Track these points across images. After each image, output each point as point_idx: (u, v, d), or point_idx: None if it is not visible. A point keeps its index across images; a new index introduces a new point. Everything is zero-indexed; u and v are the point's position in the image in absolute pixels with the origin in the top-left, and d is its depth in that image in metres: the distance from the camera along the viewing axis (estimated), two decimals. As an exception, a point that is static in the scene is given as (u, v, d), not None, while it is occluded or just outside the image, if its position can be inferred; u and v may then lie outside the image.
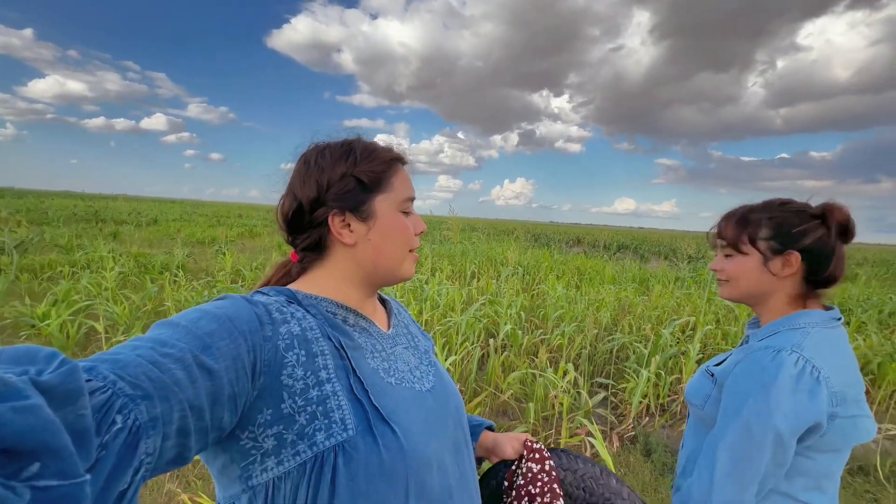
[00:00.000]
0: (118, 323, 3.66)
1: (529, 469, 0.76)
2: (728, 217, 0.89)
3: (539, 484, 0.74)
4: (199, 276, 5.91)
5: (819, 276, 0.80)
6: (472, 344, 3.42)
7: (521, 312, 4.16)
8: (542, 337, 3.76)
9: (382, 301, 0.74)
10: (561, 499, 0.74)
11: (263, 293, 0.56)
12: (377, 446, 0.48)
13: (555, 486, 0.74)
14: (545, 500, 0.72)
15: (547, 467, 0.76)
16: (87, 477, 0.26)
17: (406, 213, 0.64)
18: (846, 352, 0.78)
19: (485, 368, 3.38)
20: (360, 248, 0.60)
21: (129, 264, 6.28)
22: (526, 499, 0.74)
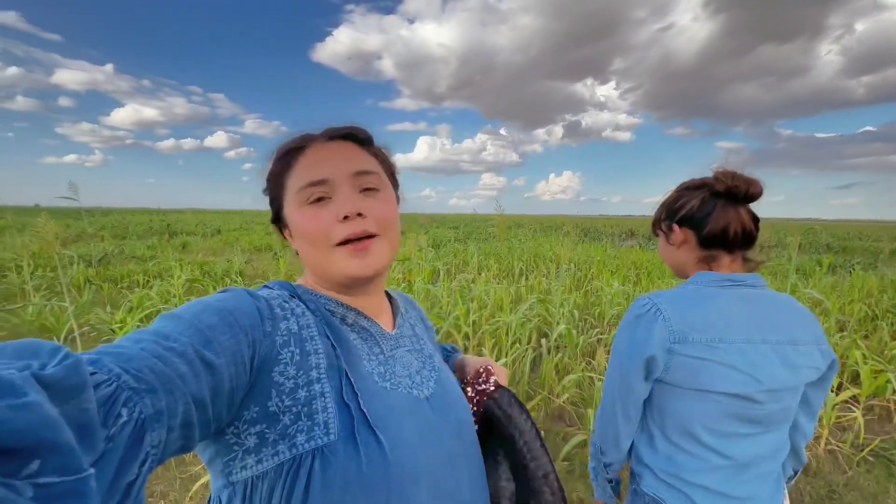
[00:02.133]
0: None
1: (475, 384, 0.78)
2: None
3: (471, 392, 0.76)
4: (256, 281, 6.21)
5: (702, 237, 0.86)
6: (524, 345, 3.27)
7: (575, 311, 3.93)
8: (600, 337, 3.53)
9: (389, 298, 0.69)
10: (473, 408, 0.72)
11: (269, 287, 0.56)
12: (357, 454, 0.46)
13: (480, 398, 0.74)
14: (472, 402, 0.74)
15: (489, 386, 0.75)
16: (91, 471, 0.25)
17: (320, 200, 0.55)
18: (718, 306, 0.81)
19: (538, 371, 3.22)
20: (300, 254, 0.59)
21: (195, 272, 6.73)
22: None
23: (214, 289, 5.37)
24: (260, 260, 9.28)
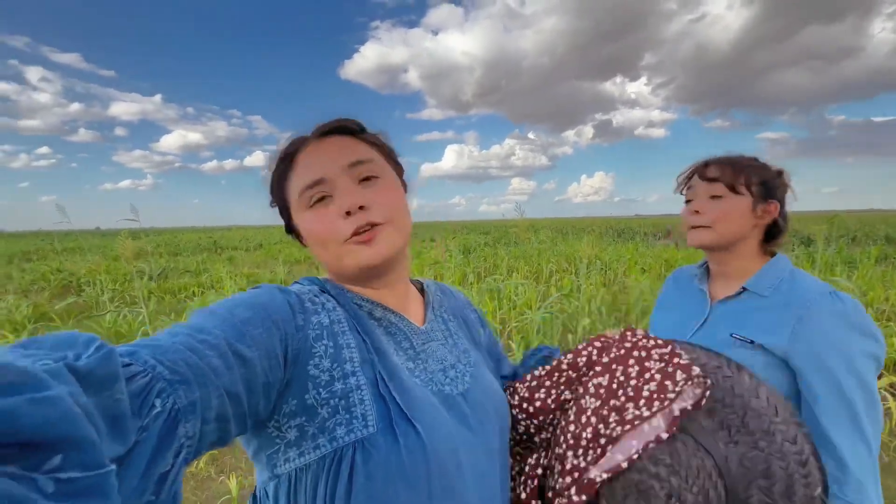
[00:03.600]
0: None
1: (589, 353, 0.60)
2: (718, 160, 0.88)
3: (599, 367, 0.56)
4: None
5: (777, 228, 0.86)
6: (551, 340, 3.40)
7: (602, 307, 4.01)
8: (625, 330, 3.59)
9: (422, 290, 0.69)
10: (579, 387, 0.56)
11: (299, 283, 0.57)
12: (398, 445, 0.45)
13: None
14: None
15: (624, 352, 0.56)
16: (112, 467, 0.25)
17: (322, 200, 0.54)
18: None
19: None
20: (317, 258, 0.59)
21: (242, 282, 7.26)
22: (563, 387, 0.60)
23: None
24: (300, 270, 9.80)
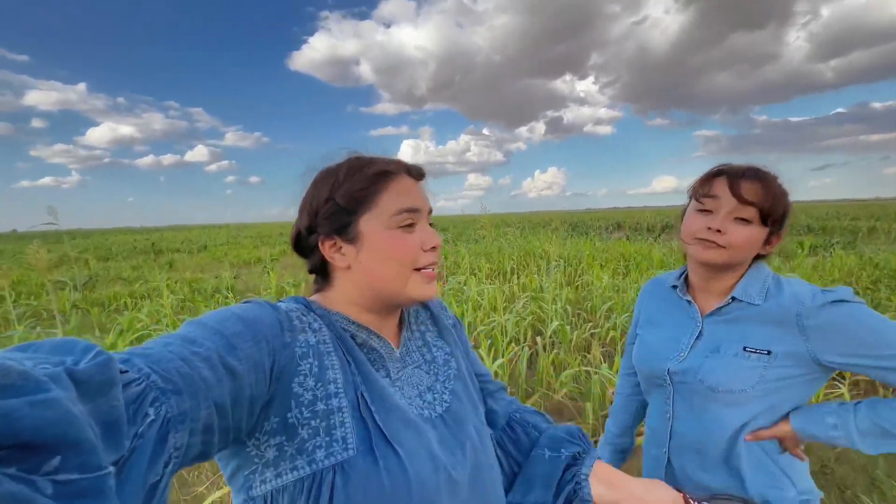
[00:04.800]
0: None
1: None
2: (755, 175, 0.78)
3: None
4: (248, 296, 6.15)
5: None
6: (520, 344, 3.31)
7: (567, 306, 3.99)
8: (593, 331, 3.58)
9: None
10: None
11: (285, 302, 0.57)
12: (377, 468, 0.47)
13: None
14: None
15: None
16: (111, 469, 0.25)
17: (410, 226, 0.58)
18: None
19: (535, 368, 3.26)
20: (355, 271, 0.58)
21: (184, 290, 6.64)
22: None
23: (206, 307, 5.30)
24: (249, 274, 9.18)
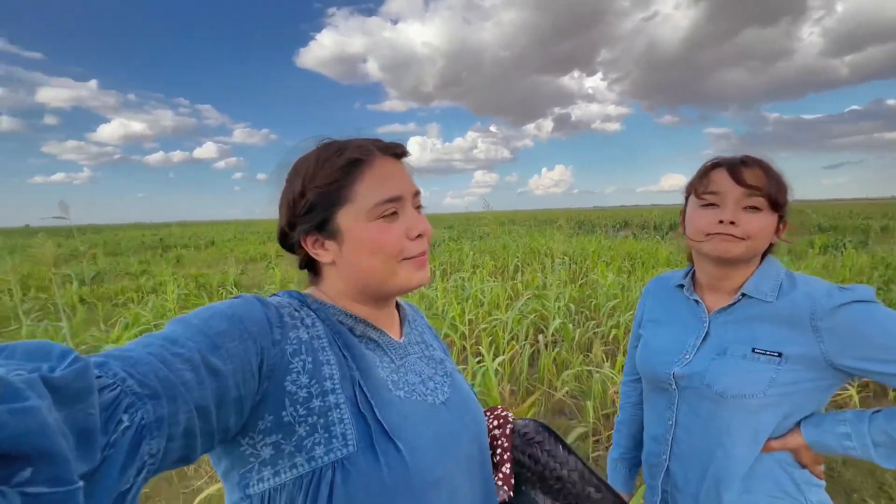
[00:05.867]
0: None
1: (492, 433, 0.75)
2: (754, 162, 0.77)
3: (496, 444, 0.74)
4: (252, 291, 6.18)
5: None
6: (521, 341, 3.28)
7: (570, 304, 3.95)
8: (596, 330, 3.55)
9: (397, 306, 0.68)
10: (509, 462, 0.72)
11: (278, 296, 0.56)
12: (378, 464, 0.46)
13: (507, 448, 0.73)
14: (496, 459, 0.72)
15: (508, 431, 0.74)
16: (80, 484, 0.25)
17: (393, 215, 0.55)
18: None
19: (536, 366, 3.23)
20: (341, 265, 0.56)
21: (189, 285, 6.69)
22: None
23: (210, 301, 5.34)
24: (255, 270, 9.24)
